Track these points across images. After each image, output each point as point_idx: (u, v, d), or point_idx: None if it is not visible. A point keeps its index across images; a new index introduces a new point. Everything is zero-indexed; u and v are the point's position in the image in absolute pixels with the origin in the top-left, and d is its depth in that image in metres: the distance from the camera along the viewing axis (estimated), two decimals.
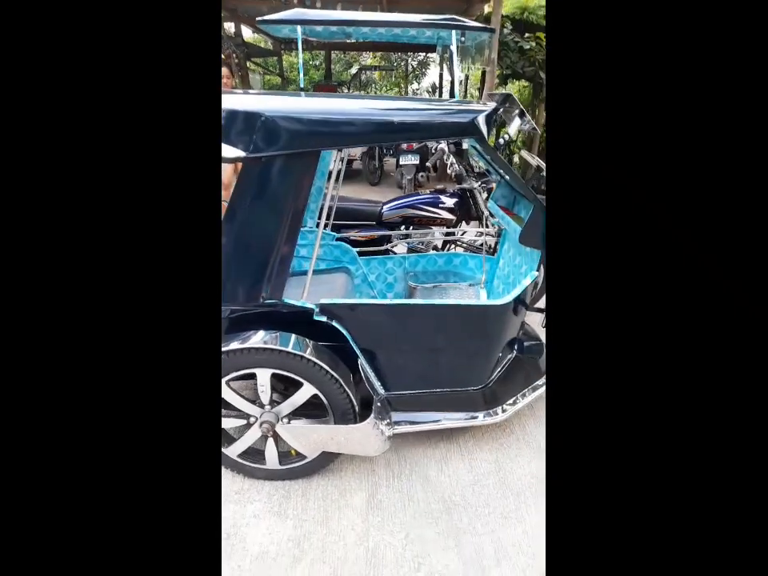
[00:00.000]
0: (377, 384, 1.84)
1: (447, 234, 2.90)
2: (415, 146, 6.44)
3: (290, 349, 1.54)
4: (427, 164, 4.69)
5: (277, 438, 1.72)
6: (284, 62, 13.12)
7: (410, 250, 3.07)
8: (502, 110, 1.65)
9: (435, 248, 3.12)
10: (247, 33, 10.41)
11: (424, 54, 15.46)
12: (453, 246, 3.01)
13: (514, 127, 1.62)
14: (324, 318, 1.68)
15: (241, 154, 1.45)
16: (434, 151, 3.51)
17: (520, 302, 1.82)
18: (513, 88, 9.16)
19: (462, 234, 2.98)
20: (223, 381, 1.60)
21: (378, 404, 1.76)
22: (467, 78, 9.33)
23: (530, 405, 2.25)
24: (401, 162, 6.40)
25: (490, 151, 1.57)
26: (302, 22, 2.01)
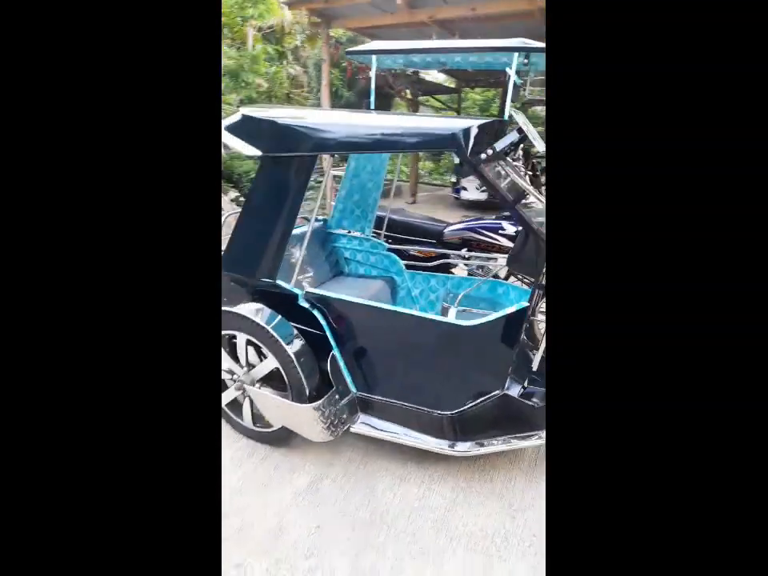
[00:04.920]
0: (348, 380, 1.91)
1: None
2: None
3: (257, 319, 1.77)
4: None
5: (252, 400, 1.96)
6: (468, 100, 13.63)
7: (470, 273, 2.98)
8: (491, 128, 1.58)
9: (496, 276, 2.95)
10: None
11: None
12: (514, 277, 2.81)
13: (504, 141, 1.53)
14: (307, 305, 1.86)
15: (257, 152, 1.77)
16: None
17: (498, 330, 1.66)
18: None
19: None
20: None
21: (337, 396, 1.84)
22: None
23: (525, 464, 1.97)
24: None
25: (469, 164, 1.53)
26: (376, 52, 2.28)
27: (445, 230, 2.98)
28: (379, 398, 1.90)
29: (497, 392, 1.83)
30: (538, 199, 1.58)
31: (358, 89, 9.88)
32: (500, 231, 2.80)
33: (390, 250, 2.75)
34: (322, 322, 1.85)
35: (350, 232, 2.85)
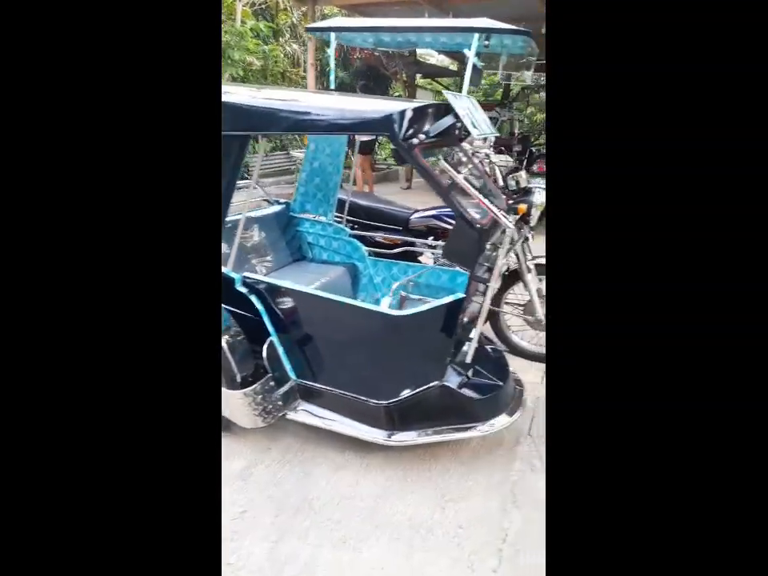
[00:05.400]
0: (287, 366, 1.90)
1: None
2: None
3: None
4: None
5: None
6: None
7: (435, 262, 2.93)
8: (428, 112, 1.53)
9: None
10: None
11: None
12: None
13: (439, 126, 1.48)
14: (245, 290, 1.83)
15: None
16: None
17: (433, 320, 1.63)
18: None
19: None
20: None
21: (272, 383, 1.82)
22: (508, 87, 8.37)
23: (466, 455, 1.95)
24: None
25: (402, 149, 1.48)
26: (336, 29, 2.20)
27: (410, 217, 2.92)
28: (318, 385, 1.88)
29: (435, 383, 1.80)
30: (481, 199, 1.53)
31: (352, 69, 9.67)
32: None
33: (353, 236, 2.71)
34: (260, 307, 1.82)
35: (315, 217, 2.81)
